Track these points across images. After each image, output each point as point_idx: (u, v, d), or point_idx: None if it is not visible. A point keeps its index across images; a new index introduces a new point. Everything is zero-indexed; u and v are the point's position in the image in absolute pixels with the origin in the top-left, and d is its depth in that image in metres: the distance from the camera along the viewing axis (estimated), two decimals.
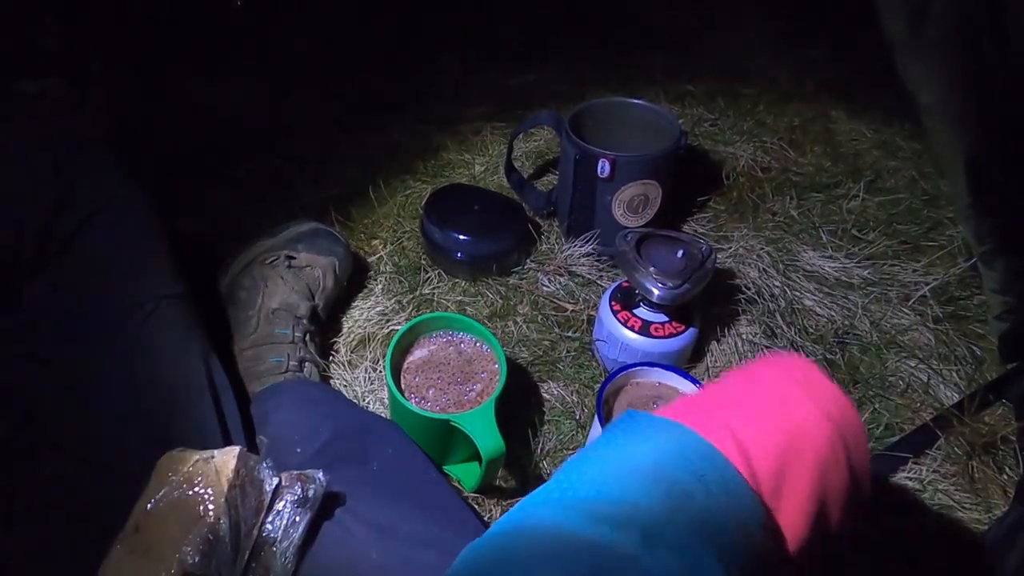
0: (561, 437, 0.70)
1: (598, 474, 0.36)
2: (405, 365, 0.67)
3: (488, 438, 0.57)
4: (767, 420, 0.38)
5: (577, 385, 0.75)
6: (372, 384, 0.75)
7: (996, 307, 0.75)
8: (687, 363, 0.75)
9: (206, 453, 0.43)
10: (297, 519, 0.46)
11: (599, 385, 0.63)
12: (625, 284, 0.75)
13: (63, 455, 0.48)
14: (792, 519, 0.37)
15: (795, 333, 0.80)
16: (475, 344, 0.68)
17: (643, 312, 0.72)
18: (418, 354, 0.67)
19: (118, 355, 0.54)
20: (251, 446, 0.60)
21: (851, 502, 0.39)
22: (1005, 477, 0.68)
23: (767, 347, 0.78)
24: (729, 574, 0.33)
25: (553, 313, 0.82)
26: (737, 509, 0.35)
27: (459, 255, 0.84)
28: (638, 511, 0.33)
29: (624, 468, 0.36)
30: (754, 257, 0.88)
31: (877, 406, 0.74)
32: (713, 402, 0.41)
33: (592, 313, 0.81)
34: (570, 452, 0.68)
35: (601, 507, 0.33)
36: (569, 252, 0.88)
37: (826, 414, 0.38)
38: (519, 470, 0.67)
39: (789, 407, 0.38)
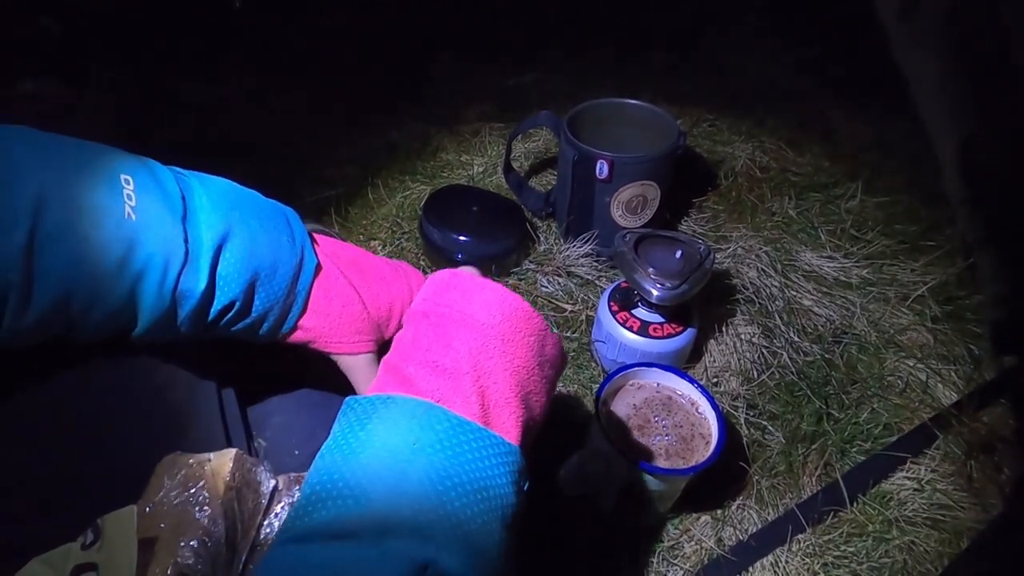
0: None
1: (322, 482, 0.34)
2: None
3: None
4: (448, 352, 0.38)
5: (576, 386, 0.75)
6: None
7: (988, 296, 0.75)
8: (686, 363, 0.75)
9: (203, 456, 0.43)
10: None
11: (598, 386, 0.63)
12: (624, 285, 0.75)
13: (66, 456, 0.48)
14: (506, 424, 0.38)
15: (793, 333, 0.80)
16: None
17: (642, 312, 0.72)
18: None
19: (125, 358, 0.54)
20: (249, 449, 0.60)
21: (550, 382, 0.42)
22: (1003, 477, 0.68)
23: (766, 347, 0.78)
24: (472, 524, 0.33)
25: (552, 314, 0.82)
26: (464, 452, 0.35)
27: (458, 256, 0.84)
28: (364, 510, 0.32)
29: (346, 464, 0.34)
30: (753, 257, 0.88)
31: (876, 406, 0.74)
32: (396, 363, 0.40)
33: (591, 314, 0.81)
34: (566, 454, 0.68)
35: (329, 524, 0.32)
36: (568, 253, 0.88)
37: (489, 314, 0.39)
38: None
39: (455, 333, 0.39)
